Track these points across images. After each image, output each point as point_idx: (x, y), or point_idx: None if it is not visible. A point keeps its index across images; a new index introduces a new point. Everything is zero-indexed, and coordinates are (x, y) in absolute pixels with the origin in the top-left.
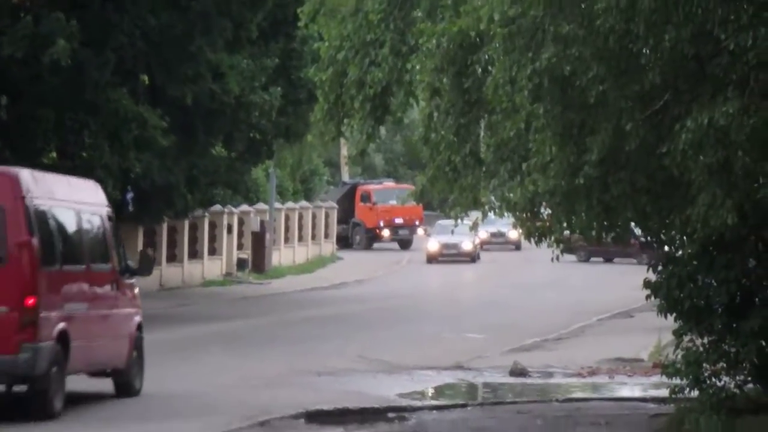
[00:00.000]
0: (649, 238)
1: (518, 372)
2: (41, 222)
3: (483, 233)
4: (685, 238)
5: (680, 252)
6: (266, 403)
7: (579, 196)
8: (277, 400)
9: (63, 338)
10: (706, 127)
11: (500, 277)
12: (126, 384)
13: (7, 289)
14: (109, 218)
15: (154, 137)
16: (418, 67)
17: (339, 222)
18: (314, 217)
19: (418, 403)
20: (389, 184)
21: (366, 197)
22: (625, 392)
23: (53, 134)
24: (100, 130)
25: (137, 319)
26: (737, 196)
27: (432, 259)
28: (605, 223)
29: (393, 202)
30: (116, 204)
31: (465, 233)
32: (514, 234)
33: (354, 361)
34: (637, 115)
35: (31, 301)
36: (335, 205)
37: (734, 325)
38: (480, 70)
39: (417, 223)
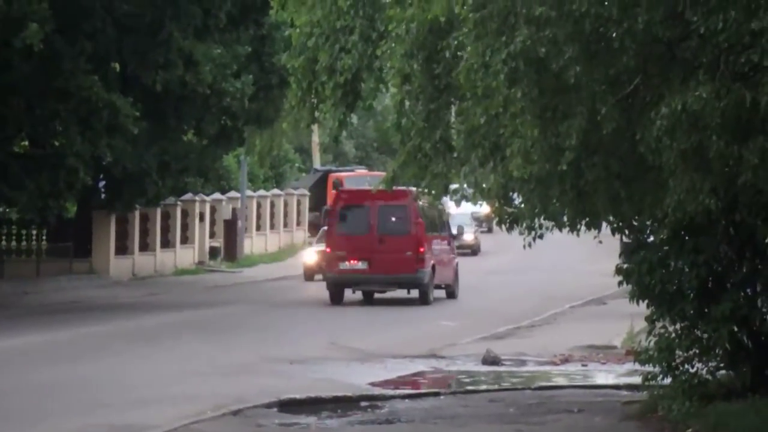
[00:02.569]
0: (620, 224)
1: (491, 360)
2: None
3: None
4: (656, 223)
5: (651, 237)
6: (239, 391)
7: (554, 182)
8: (250, 389)
9: (433, 267)
10: (680, 112)
11: (473, 263)
12: (450, 292)
13: (411, 245)
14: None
15: (125, 125)
16: (388, 53)
17: (311, 209)
18: (286, 204)
19: (390, 392)
20: (361, 171)
21: (338, 184)
22: (598, 379)
23: (24, 122)
24: (71, 118)
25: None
26: (713, 180)
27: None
28: (577, 208)
29: (368, 187)
30: (88, 191)
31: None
32: (469, 237)
33: (326, 349)
34: (610, 98)
35: (421, 249)
36: (307, 192)
37: (706, 310)
38: (450, 55)
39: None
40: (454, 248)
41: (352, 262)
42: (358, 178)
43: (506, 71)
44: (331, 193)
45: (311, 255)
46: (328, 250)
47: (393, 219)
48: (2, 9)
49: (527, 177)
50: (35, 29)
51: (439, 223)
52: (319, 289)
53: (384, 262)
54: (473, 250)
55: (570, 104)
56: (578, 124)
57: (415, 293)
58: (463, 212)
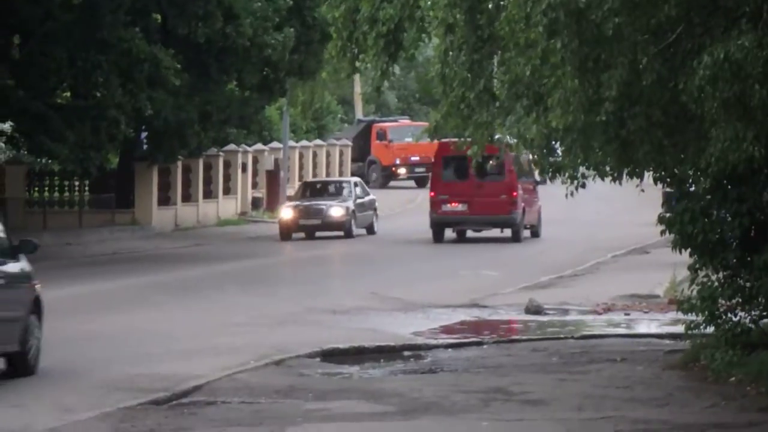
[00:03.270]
0: (662, 173)
1: (533, 309)
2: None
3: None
4: (699, 173)
5: (693, 187)
6: (281, 341)
7: (596, 132)
8: (293, 339)
9: (522, 210)
10: (722, 61)
11: None
12: (534, 232)
13: (506, 190)
14: None
15: (166, 77)
16: (430, 2)
17: (354, 160)
18: (328, 155)
19: (433, 341)
20: (405, 121)
21: (382, 135)
22: (640, 328)
23: (65, 73)
24: (112, 69)
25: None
26: (755, 128)
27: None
28: (622, 158)
29: (409, 140)
30: (130, 143)
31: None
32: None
33: (368, 299)
34: (651, 48)
35: (514, 193)
36: (349, 143)
37: (749, 259)
38: (493, 5)
39: (433, 160)
40: (537, 193)
41: (453, 204)
42: (401, 128)
43: (546, 22)
44: (376, 143)
45: (288, 211)
46: (432, 194)
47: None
48: None
49: (569, 127)
50: None
51: (526, 171)
52: (352, 241)
53: (481, 205)
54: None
55: (611, 55)
56: (619, 75)
57: (507, 232)
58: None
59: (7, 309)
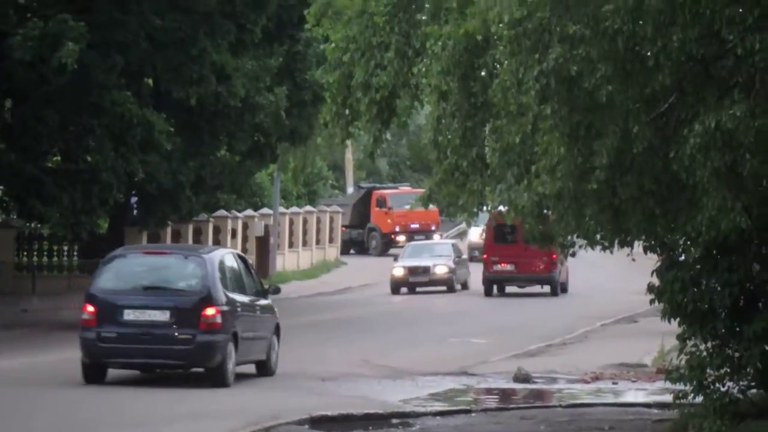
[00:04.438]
0: (653, 242)
1: (522, 378)
2: None
3: (398, 268)
4: (689, 242)
5: (684, 256)
6: (270, 407)
7: (588, 200)
8: (282, 405)
9: (559, 270)
10: (713, 130)
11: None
12: (563, 288)
13: (547, 253)
14: None
15: (159, 140)
16: (424, 70)
17: (355, 227)
18: (319, 221)
19: (422, 409)
20: (405, 188)
21: (382, 202)
22: (628, 397)
23: (58, 137)
24: (105, 133)
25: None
26: (745, 198)
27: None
28: (613, 227)
29: (407, 207)
30: (121, 208)
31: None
32: (442, 269)
33: (358, 366)
34: (643, 117)
35: (554, 256)
36: (340, 209)
37: (738, 329)
38: (486, 73)
39: (433, 228)
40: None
41: (503, 264)
42: (401, 195)
43: (537, 88)
44: (375, 210)
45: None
46: (485, 256)
47: None
48: (38, 25)
49: (559, 195)
50: (71, 48)
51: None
52: (354, 306)
53: (526, 265)
54: (448, 286)
55: (602, 122)
56: (610, 143)
57: (547, 288)
58: (444, 241)
59: (262, 330)
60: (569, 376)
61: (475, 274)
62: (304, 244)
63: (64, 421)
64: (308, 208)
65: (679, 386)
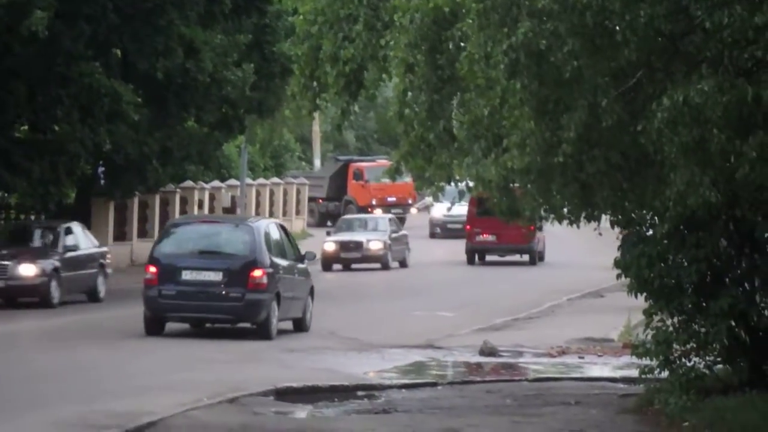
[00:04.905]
0: (620, 217)
1: (488, 351)
2: None
3: (330, 243)
4: (657, 217)
5: (651, 231)
6: (236, 379)
7: (554, 174)
8: (248, 377)
9: (538, 240)
10: (681, 105)
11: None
12: (541, 257)
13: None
14: None
15: (126, 112)
16: (392, 42)
17: (331, 199)
18: (285, 193)
19: (387, 382)
20: (382, 161)
21: (358, 175)
22: (595, 372)
23: (25, 107)
24: (73, 104)
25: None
26: (713, 173)
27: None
28: (580, 201)
29: (386, 180)
30: (88, 179)
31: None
32: (376, 245)
33: (324, 339)
34: (611, 91)
35: (532, 227)
36: (306, 181)
37: (704, 305)
38: (453, 46)
39: (410, 201)
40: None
41: (485, 235)
42: (378, 168)
43: (506, 62)
44: (352, 182)
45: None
46: (468, 227)
47: None
48: None
49: (527, 169)
50: (40, 16)
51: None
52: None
53: (507, 236)
54: (382, 263)
55: (570, 97)
56: (578, 117)
57: (526, 257)
58: (381, 216)
59: (299, 291)
60: (535, 350)
61: (436, 250)
62: (271, 215)
63: None
64: (275, 179)
65: (645, 361)
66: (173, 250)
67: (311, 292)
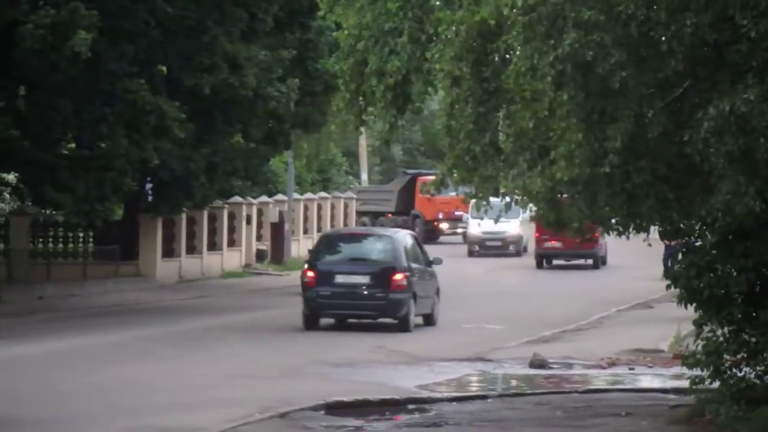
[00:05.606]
0: (668, 228)
1: (538, 363)
2: None
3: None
4: (704, 227)
5: (699, 241)
6: (285, 394)
7: (601, 185)
8: (297, 392)
9: (601, 246)
10: (727, 115)
11: (519, 266)
12: (603, 261)
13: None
14: None
15: (171, 128)
16: (437, 55)
17: (399, 213)
18: (333, 207)
19: (438, 395)
20: None
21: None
22: (645, 383)
23: (71, 124)
24: (118, 121)
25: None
26: (759, 183)
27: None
28: (627, 212)
29: (453, 194)
30: (135, 195)
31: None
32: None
33: (373, 352)
34: (657, 102)
35: (597, 234)
36: (354, 195)
37: (754, 315)
38: (499, 58)
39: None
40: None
41: (552, 242)
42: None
43: (553, 74)
44: (419, 196)
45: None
46: (536, 234)
47: None
48: (50, 14)
49: (573, 180)
50: (83, 36)
51: None
52: None
53: (572, 242)
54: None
55: (616, 108)
56: (624, 128)
57: (589, 261)
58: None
59: (429, 291)
60: (585, 362)
61: (475, 269)
62: (319, 230)
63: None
64: (322, 194)
65: (696, 372)
66: (327, 257)
67: (437, 292)
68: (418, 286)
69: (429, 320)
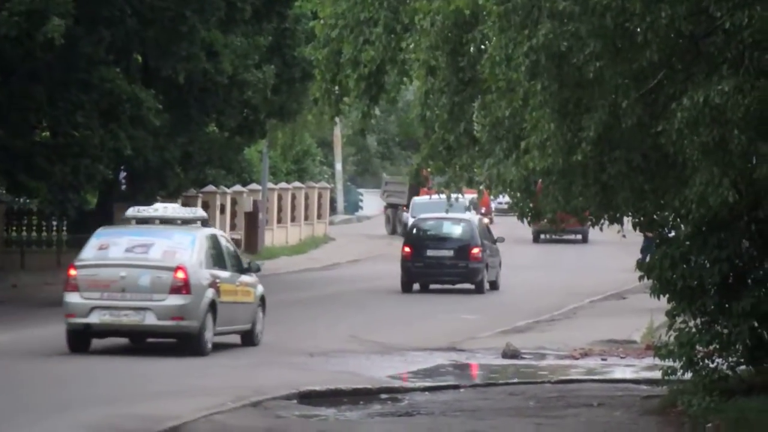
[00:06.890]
0: (642, 219)
1: (510, 354)
2: None
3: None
4: (678, 218)
5: (673, 232)
6: (258, 383)
7: (576, 175)
8: (270, 381)
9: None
10: (702, 106)
11: None
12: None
13: None
14: None
15: (147, 117)
16: (412, 45)
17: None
18: (307, 197)
19: (410, 384)
20: None
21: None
22: (617, 374)
23: (46, 112)
24: (93, 109)
25: None
26: (733, 174)
27: None
28: (601, 202)
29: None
30: (109, 184)
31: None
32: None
33: (346, 342)
34: (632, 93)
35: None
36: (328, 185)
37: (727, 306)
38: (474, 48)
39: (483, 210)
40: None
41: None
42: None
43: (527, 64)
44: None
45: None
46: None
47: None
48: (25, 1)
49: (548, 170)
50: (57, 23)
51: None
52: (342, 282)
53: (564, 220)
54: None
55: (591, 98)
56: (599, 118)
57: (579, 237)
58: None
59: (495, 262)
60: (558, 352)
61: None
62: (293, 219)
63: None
64: (296, 183)
65: (668, 363)
66: (420, 235)
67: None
68: (489, 258)
69: (494, 285)
